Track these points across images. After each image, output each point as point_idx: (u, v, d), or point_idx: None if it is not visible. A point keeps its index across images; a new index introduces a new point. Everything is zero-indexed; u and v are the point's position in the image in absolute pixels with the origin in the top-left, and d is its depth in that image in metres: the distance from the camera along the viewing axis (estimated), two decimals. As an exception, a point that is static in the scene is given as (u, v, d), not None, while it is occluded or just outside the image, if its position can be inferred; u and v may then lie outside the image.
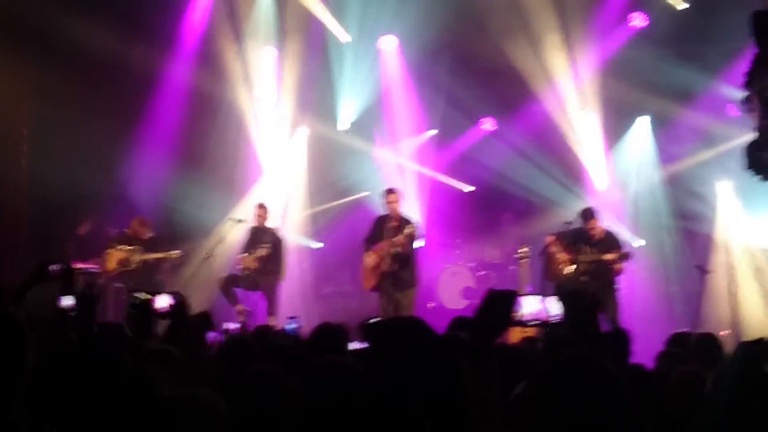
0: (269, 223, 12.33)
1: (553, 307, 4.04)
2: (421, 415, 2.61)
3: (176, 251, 12.14)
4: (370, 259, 11.25)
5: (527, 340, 6.16)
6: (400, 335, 2.82)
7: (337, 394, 3.00)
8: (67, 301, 4.39)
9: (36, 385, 3.65)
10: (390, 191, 11.39)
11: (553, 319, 4.03)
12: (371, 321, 6.71)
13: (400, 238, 10.94)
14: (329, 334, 5.20)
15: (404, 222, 11.21)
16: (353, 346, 5.78)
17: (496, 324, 2.70)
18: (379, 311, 10.99)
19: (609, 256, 10.70)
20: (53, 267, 4.42)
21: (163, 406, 3.05)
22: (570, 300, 3.82)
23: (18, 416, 3.22)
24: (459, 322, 5.77)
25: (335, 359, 3.16)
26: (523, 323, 4.09)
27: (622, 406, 2.34)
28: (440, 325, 5.89)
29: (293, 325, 7.08)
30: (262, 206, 12.32)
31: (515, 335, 10.41)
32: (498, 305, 2.70)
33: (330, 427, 2.95)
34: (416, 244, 11.22)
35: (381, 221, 11.29)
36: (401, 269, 11.07)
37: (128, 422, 3.38)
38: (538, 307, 4.03)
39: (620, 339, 5.88)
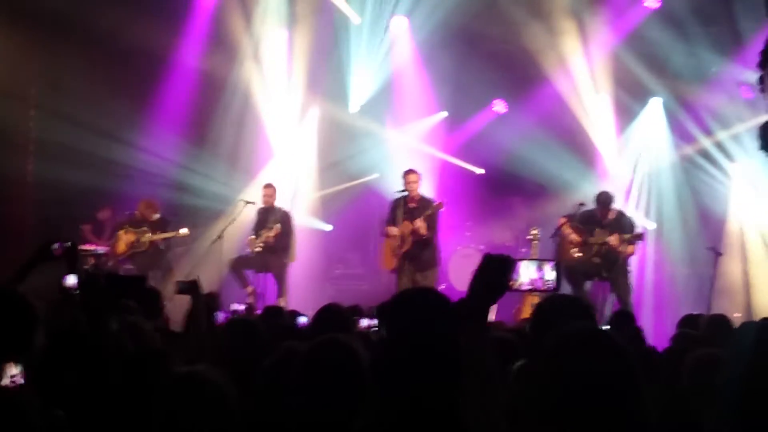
0: (277, 203, 12.30)
1: (549, 275, 4.00)
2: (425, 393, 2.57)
3: (184, 230, 12.15)
4: (389, 240, 11.17)
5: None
6: (414, 305, 2.78)
7: (338, 371, 2.98)
8: (71, 280, 4.35)
9: (44, 366, 3.65)
10: (410, 172, 11.25)
11: (548, 287, 3.99)
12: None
13: (420, 223, 10.82)
14: (334, 315, 5.19)
15: (424, 203, 11.11)
16: (364, 323, 5.78)
17: (492, 289, 2.65)
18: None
19: (616, 240, 10.59)
20: (56, 246, 4.39)
21: (170, 384, 3.04)
22: None
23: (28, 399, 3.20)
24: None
25: (336, 337, 3.13)
26: (519, 290, 4.05)
27: (634, 383, 2.30)
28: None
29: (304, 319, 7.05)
30: (268, 186, 12.31)
31: (527, 310, 10.44)
32: (495, 270, 2.65)
33: (329, 403, 2.94)
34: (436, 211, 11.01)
35: (399, 202, 11.17)
36: (422, 251, 11.00)
37: (134, 401, 3.37)
38: (534, 275, 3.99)
39: (627, 319, 5.87)
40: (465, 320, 2.60)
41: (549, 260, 4.13)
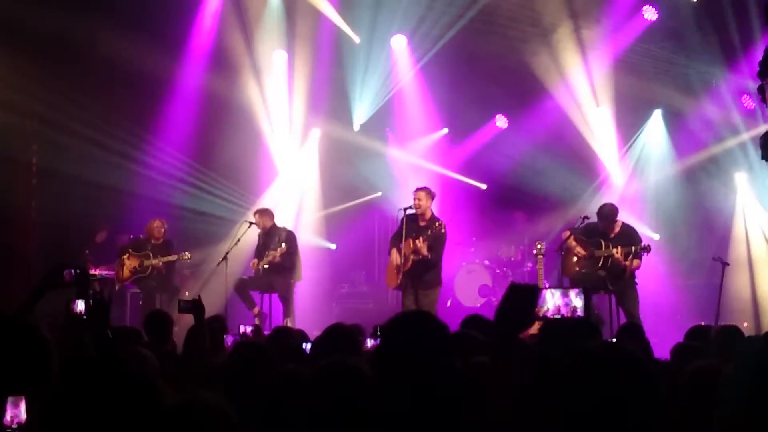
0: (279, 224, 12.26)
1: (576, 302, 3.97)
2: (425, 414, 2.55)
3: (187, 253, 12.15)
4: (393, 258, 11.02)
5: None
6: (410, 329, 2.77)
7: (343, 395, 2.96)
8: (80, 306, 4.34)
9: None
10: (419, 189, 11.00)
11: (576, 315, 3.96)
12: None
13: (420, 243, 10.70)
14: (341, 335, 5.13)
15: (432, 223, 10.82)
16: (369, 343, 5.73)
17: (518, 318, 2.64)
18: (402, 310, 10.84)
19: (621, 253, 10.55)
20: (67, 272, 4.37)
21: (170, 412, 3.02)
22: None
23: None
24: (472, 320, 5.73)
25: (342, 360, 3.12)
26: (546, 318, 4.02)
27: (655, 396, 2.29)
28: (457, 323, 5.87)
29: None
30: (258, 212, 12.23)
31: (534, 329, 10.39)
32: (520, 299, 2.64)
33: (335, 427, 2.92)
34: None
35: (409, 220, 10.88)
36: (424, 271, 10.79)
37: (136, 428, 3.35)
38: (560, 301, 3.97)
39: (634, 332, 5.83)
40: (491, 348, 2.60)
41: (574, 287, 4.10)
